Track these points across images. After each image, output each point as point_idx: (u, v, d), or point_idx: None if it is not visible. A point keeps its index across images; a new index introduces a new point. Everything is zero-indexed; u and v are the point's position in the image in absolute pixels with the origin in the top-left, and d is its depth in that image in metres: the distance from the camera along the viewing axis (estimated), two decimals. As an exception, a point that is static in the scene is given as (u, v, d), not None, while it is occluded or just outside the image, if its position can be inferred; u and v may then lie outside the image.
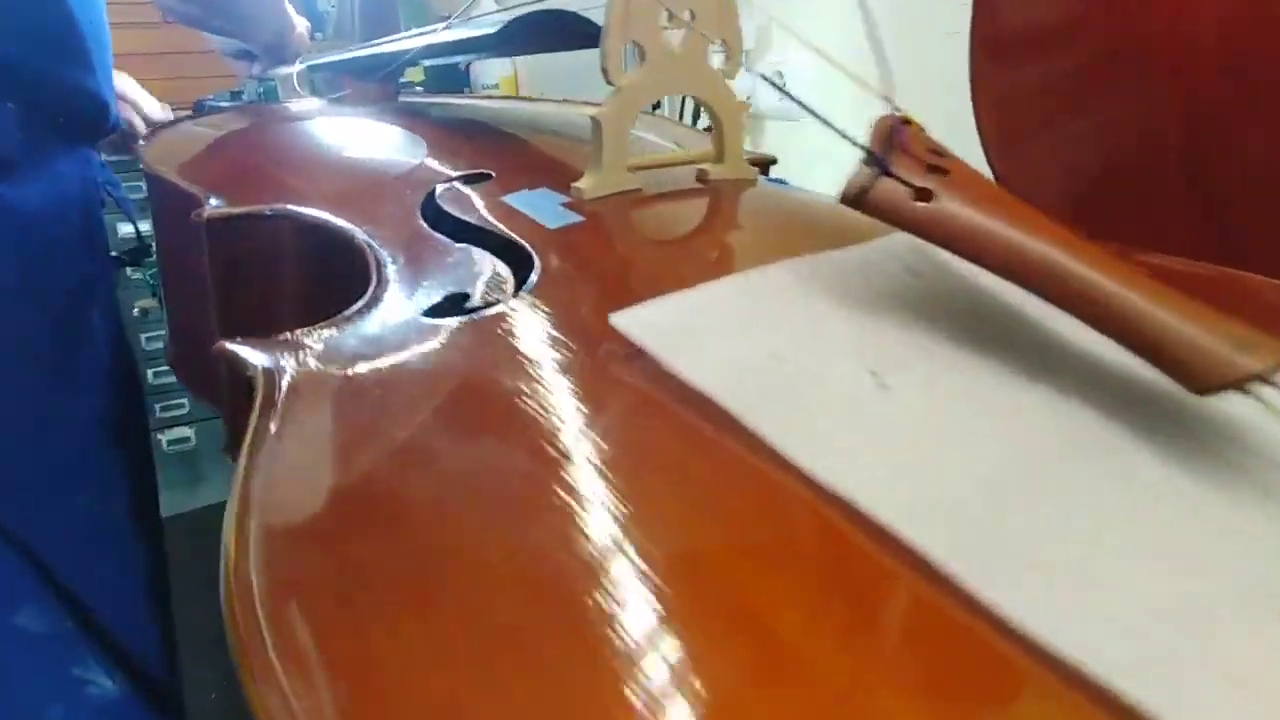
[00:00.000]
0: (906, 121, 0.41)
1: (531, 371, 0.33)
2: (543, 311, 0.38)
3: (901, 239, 0.39)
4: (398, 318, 0.40)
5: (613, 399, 0.32)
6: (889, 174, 0.36)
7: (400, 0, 1.73)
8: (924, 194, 0.35)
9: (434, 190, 0.54)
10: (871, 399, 0.31)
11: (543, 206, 0.49)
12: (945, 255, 0.34)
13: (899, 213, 0.35)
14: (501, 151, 0.63)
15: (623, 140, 0.50)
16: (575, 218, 0.47)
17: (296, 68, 0.93)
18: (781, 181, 0.55)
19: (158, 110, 0.90)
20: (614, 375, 0.34)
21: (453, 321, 0.38)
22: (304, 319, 0.57)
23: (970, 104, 0.79)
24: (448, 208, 0.51)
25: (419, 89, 1.11)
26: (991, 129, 0.87)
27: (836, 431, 0.30)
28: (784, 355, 0.33)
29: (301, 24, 1.06)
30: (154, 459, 0.72)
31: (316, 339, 0.39)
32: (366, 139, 0.66)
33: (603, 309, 0.38)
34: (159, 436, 1.72)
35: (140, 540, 0.69)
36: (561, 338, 0.35)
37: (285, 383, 0.35)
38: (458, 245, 0.47)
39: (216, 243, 0.55)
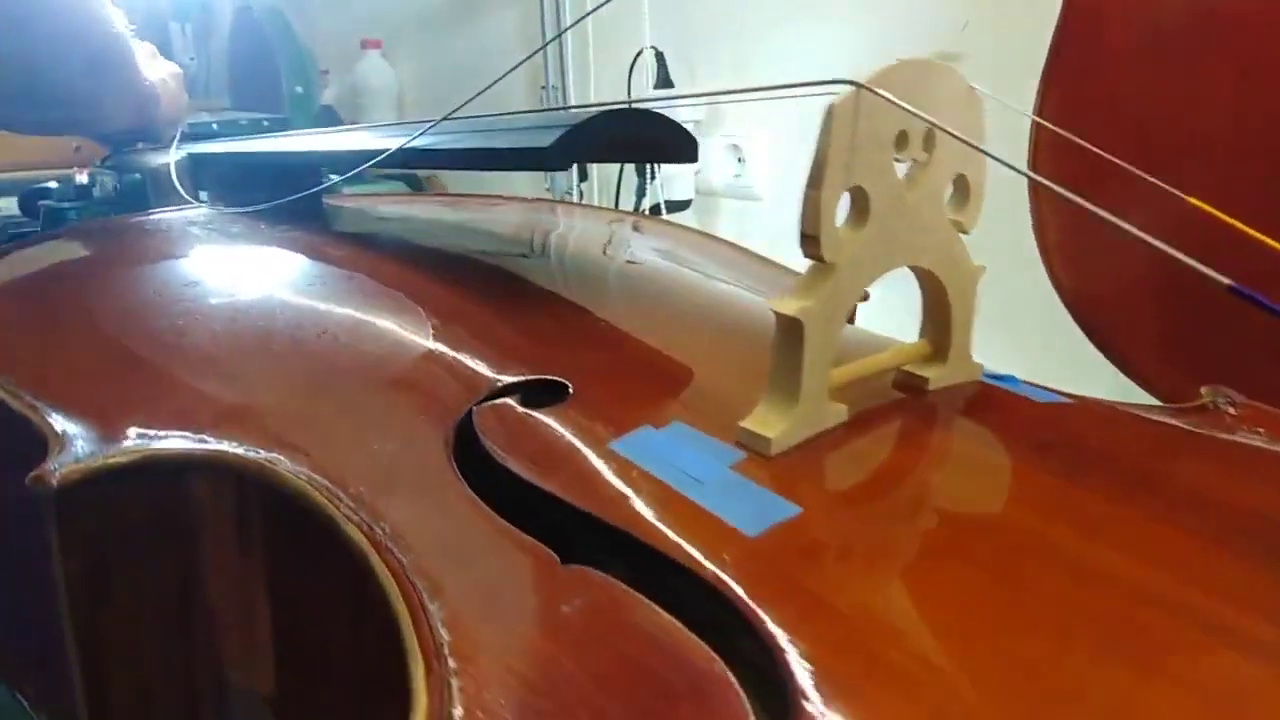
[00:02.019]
0: None
1: None
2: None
3: None
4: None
5: None
6: None
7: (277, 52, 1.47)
8: None
9: (469, 415, 0.32)
10: None
11: (701, 470, 0.27)
12: None
13: None
14: (550, 324, 0.40)
15: (830, 351, 0.29)
16: (783, 507, 0.26)
17: (174, 155, 0.67)
18: (1010, 379, 0.36)
19: None
20: None
21: None
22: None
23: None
24: (515, 465, 0.29)
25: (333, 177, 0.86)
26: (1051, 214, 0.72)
27: None
28: None
29: (167, 73, 0.78)
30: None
31: None
32: (319, 294, 0.42)
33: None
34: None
35: None
36: None
37: None
38: (565, 567, 0.25)
39: (75, 525, 0.31)
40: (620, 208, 1.32)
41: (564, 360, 0.35)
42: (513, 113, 0.41)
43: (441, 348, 0.37)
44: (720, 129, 1.23)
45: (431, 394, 0.34)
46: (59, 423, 0.32)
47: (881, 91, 0.27)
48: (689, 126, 1.25)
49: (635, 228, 0.62)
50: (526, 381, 0.33)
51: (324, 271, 0.45)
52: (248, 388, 0.35)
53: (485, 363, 0.35)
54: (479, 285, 0.45)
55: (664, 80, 1.24)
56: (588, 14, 0.98)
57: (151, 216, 0.56)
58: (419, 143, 0.41)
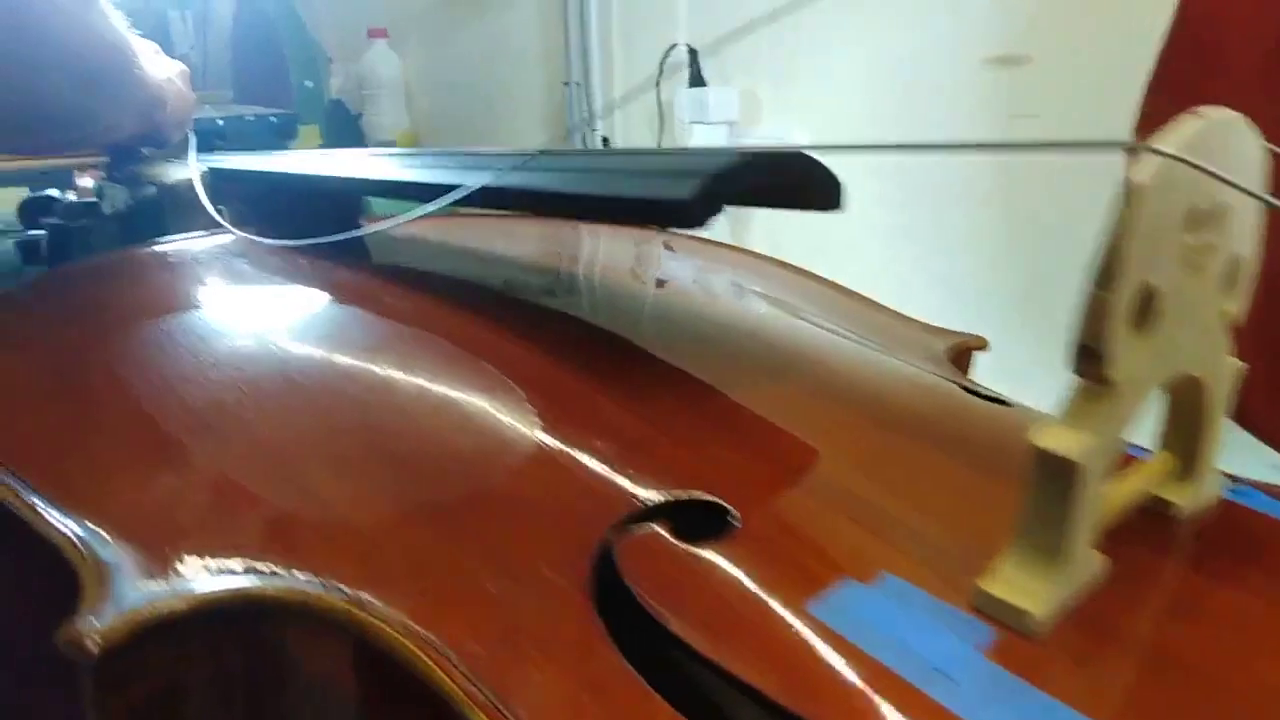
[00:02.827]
0: None
1: None
2: None
3: None
4: None
5: None
6: None
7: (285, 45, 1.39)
8: None
9: (608, 546, 0.25)
10: None
11: (943, 655, 0.21)
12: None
13: None
14: (674, 406, 0.33)
15: (1099, 491, 0.22)
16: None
17: (196, 169, 0.60)
18: (1249, 493, 0.29)
19: None
20: None
21: None
22: None
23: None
24: (684, 632, 0.22)
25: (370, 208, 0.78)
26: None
27: None
28: None
29: (173, 72, 0.70)
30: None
31: None
32: (389, 362, 0.35)
33: None
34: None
35: None
36: None
37: None
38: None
39: (116, 691, 0.24)
40: (649, 213, 1.26)
41: (709, 465, 0.28)
42: (609, 151, 0.35)
43: (553, 443, 0.30)
44: (756, 130, 1.16)
45: (554, 514, 0.27)
46: (92, 547, 0.26)
47: (1196, 161, 0.20)
48: (722, 128, 1.18)
49: (722, 261, 0.55)
50: (676, 500, 0.27)
51: (388, 330, 0.38)
52: (318, 497, 0.28)
53: (612, 468, 0.28)
54: (571, 347, 0.38)
55: (696, 79, 1.17)
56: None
57: (176, 247, 0.49)
58: (511, 179, 0.34)
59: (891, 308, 0.50)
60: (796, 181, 0.33)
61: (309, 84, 1.27)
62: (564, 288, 0.48)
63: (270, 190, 0.55)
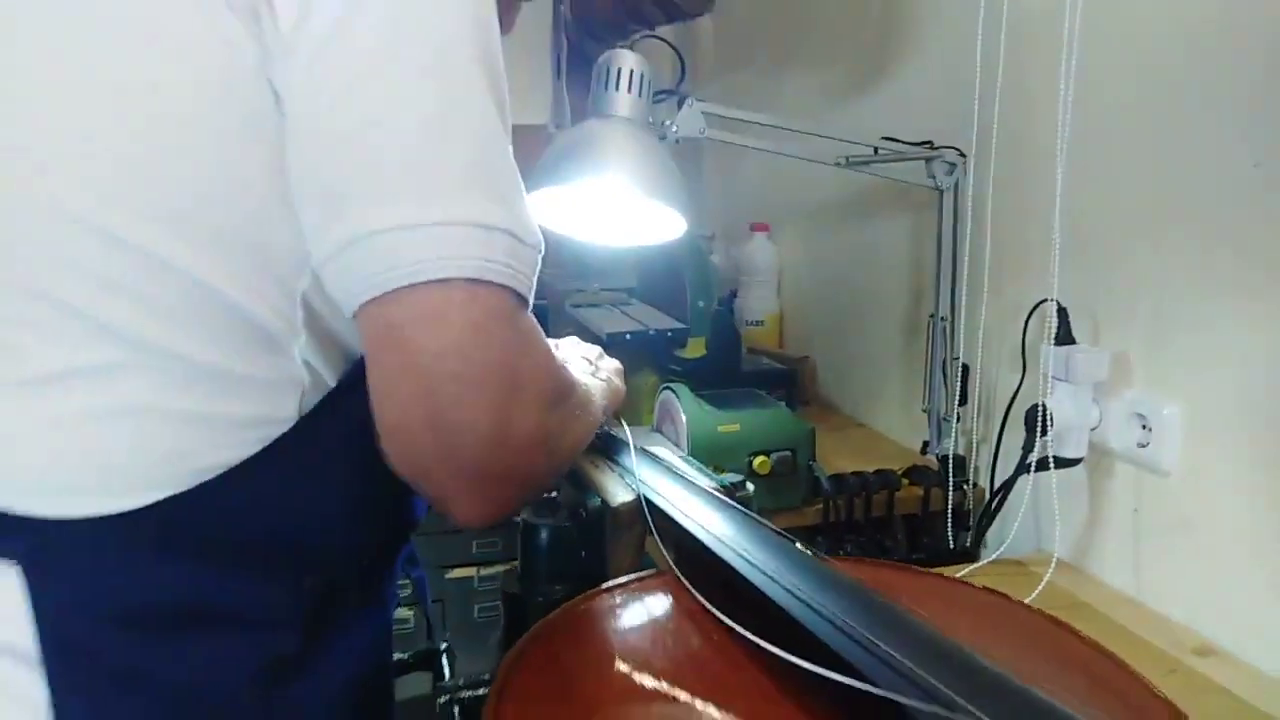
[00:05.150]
0: None
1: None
2: None
3: None
4: None
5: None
6: None
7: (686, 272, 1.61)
8: None
9: None
10: None
11: None
12: None
13: None
14: None
15: None
16: None
17: (639, 485, 0.76)
18: None
19: None
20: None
21: None
22: None
23: None
24: None
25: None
26: None
27: None
28: None
29: (610, 371, 0.88)
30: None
31: None
32: None
33: None
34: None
35: None
36: None
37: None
38: None
39: None
40: (1001, 455, 1.28)
41: None
42: None
43: None
44: (1126, 394, 1.15)
45: None
46: None
47: None
48: (1088, 387, 1.17)
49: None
50: None
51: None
52: None
53: None
54: None
55: (1065, 336, 1.18)
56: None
57: (643, 616, 0.63)
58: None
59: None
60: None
61: (701, 304, 1.47)
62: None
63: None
